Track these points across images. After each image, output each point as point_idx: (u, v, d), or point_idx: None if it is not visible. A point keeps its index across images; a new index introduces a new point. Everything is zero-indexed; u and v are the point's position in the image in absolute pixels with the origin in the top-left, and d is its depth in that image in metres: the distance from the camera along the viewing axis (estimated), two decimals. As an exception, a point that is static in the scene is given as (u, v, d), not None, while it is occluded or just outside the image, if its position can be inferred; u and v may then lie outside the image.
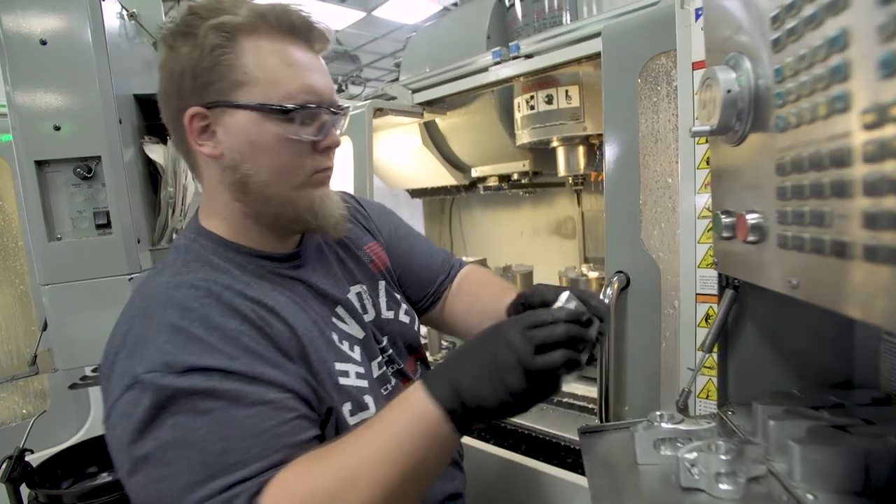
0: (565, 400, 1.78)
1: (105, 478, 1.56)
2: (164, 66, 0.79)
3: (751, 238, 0.60)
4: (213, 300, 0.73)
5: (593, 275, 1.87)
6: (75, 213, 1.20)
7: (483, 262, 2.30)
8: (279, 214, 0.82)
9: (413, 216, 2.87)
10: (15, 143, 1.14)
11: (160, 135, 1.40)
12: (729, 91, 0.60)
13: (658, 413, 0.72)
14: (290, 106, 0.76)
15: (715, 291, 1.13)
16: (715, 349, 0.81)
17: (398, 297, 1.05)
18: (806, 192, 0.50)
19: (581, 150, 1.94)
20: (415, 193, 2.71)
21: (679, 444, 0.69)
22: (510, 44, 1.75)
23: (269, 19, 0.77)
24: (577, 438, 1.55)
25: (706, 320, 1.15)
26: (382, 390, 0.90)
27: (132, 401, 0.64)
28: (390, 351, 0.97)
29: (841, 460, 0.58)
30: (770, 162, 0.57)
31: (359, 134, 1.86)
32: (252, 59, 0.76)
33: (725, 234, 0.67)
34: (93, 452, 1.63)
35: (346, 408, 0.81)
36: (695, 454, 0.63)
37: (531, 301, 0.85)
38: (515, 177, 2.24)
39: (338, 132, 0.84)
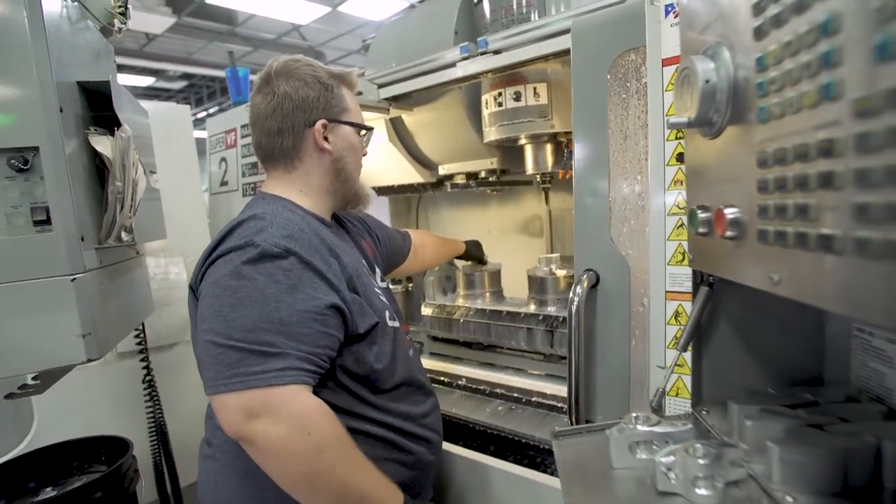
0: (534, 399, 1.76)
1: (47, 493, 1.46)
2: (296, 92, 1.19)
3: (729, 233, 0.59)
4: (305, 224, 1.12)
5: (561, 273, 1.86)
6: (10, 209, 1.10)
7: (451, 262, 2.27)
8: (348, 190, 1.29)
9: (379, 214, 2.81)
10: (-59, 132, 1.04)
11: (108, 126, 1.31)
12: (707, 81, 0.58)
13: (633, 415, 0.70)
14: (367, 126, 1.32)
15: (685, 289, 1.13)
16: (689, 348, 0.80)
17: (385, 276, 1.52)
18: (790, 185, 0.48)
19: (549, 147, 1.93)
20: (381, 191, 2.65)
21: (655, 447, 0.67)
22: (478, 39, 1.73)
23: (349, 78, 1.29)
24: (548, 438, 1.56)
25: (676, 318, 1.15)
26: (398, 321, 1.29)
27: (239, 254, 0.99)
28: (391, 305, 1.31)
29: (821, 461, 0.57)
30: (750, 154, 0.55)
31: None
32: (348, 98, 1.27)
33: (702, 230, 0.65)
34: (32, 466, 1.52)
35: (387, 314, 1.21)
36: (671, 458, 0.60)
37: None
38: (483, 175, 2.22)
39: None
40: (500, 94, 1.85)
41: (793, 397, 0.72)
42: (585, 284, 1.24)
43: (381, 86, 2.00)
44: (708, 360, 0.79)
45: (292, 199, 1.20)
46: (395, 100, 2.03)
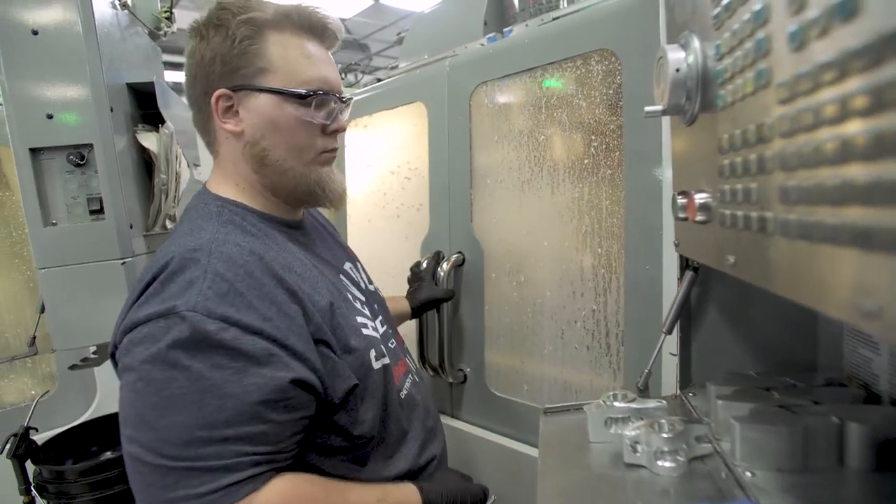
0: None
1: (107, 455, 1.61)
2: (194, 53, 0.88)
3: (699, 218, 0.60)
4: (256, 259, 0.80)
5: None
6: (70, 200, 1.23)
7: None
8: (295, 187, 0.93)
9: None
10: (10, 132, 1.18)
11: (155, 123, 1.42)
12: (678, 70, 0.60)
13: (612, 393, 0.73)
14: (304, 91, 0.87)
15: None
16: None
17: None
18: (738, 170, 0.50)
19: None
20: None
21: (632, 423, 0.70)
22: (504, 29, 1.75)
23: (293, 17, 0.88)
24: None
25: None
26: (389, 344, 1.03)
27: (163, 328, 0.71)
28: (380, 316, 1.08)
29: (780, 439, 0.58)
30: (714, 141, 0.57)
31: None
32: (276, 51, 0.87)
33: (681, 216, 0.67)
34: (95, 432, 1.68)
35: (372, 354, 0.92)
36: (637, 432, 0.63)
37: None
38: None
39: (344, 118, 0.95)
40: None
41: (773, 380, 0.72)
42: (451, 262, 1.46)
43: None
44: (697, 343, 0.80)
45: (236, 199, 0.92)
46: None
